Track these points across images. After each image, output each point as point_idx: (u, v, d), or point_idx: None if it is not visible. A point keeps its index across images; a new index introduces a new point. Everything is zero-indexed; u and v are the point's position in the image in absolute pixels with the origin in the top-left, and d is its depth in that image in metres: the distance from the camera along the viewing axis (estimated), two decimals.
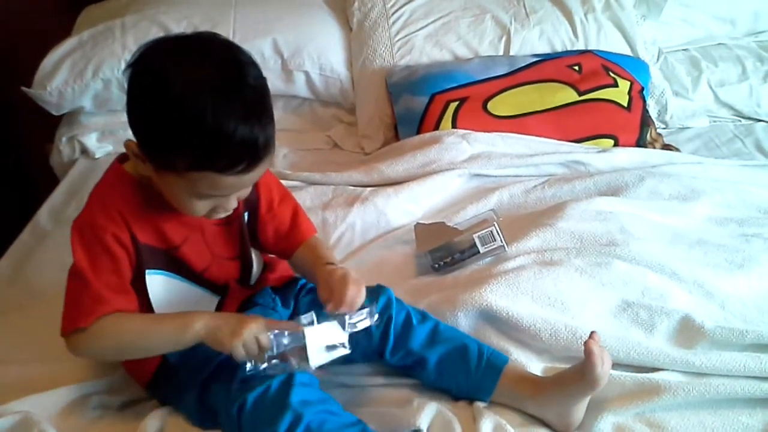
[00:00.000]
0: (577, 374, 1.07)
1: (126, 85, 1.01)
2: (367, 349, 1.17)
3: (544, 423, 1.10)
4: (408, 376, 1.19)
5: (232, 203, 1.07)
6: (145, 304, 1.11)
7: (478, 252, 1.38)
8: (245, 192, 1.07)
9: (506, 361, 1.15)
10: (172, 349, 1.07)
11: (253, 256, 1.24)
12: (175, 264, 1.13)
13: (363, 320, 1.07)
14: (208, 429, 1.09)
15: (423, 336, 1.17)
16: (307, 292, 1.26)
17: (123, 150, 1.70)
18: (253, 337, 1.02)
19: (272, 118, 1.01)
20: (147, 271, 1.10)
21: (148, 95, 0.99)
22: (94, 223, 1.06)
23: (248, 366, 1.04)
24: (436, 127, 1.79)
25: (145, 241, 1.09)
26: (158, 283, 1.12)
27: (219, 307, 1.19)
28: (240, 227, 1.19)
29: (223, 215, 1.08)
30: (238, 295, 1.21)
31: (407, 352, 1.16)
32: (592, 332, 1.08)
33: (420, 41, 1.96)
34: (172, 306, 1.12)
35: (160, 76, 0.98)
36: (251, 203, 1.19)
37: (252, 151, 0.98)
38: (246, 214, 1.19)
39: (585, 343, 1.05)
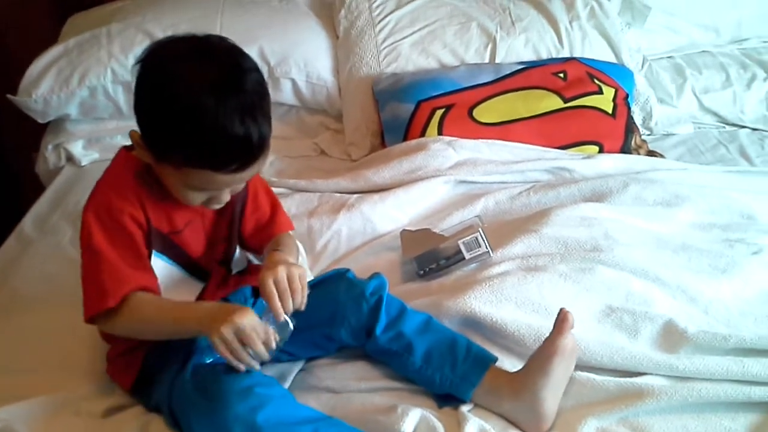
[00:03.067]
0: (541, 347, 1.11)
1: (134, 80, 1.05)
2: (355, 326, 1.19)
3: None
4: (390, 369, 1.20)
5: (226, 196, 1.11)
6: None
7: (464, 258, 1.38)
8: (239, 187, 1.12)
9: (494, 359, 1.16)
10: (190, 336, 1.10)
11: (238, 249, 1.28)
12: (171, 248, 1.16)
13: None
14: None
15: (416, 323, 1.20)
16: None
17: (109, 157, 1.71)
18: (232, 332, 1.01)
19: (268, 120, 1.04)
20: (153, 252, 1.14)
21: (150, 92, 1.03)
22: (110, 206, 1.09)
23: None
24: (422, 134, 1.79)
25: (155, 223, 1.13)
26: (157, 266, 1.15)
27: (201, 294, 1.22)
28: (231, 215, 1.22)
29: (217, 206, 1.13)
30: (218, 283, 1.24)
31: (398, 333, 1.17)
32: (561, 309, 1.10)
33: (406, 49, 1.97)
34: (161, 288, 1.14)
35: (162, 75, 1.02)
36: (242, 194, 1.22)
37: (246, 151, 1.02)
38: (239, 206, 1.23)
39: (561, 311, 1.09)
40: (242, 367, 1.04)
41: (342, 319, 1.19)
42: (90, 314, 1.09)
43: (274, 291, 1.05)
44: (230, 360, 1.02)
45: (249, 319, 1.02)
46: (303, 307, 1.08)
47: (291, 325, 1.07)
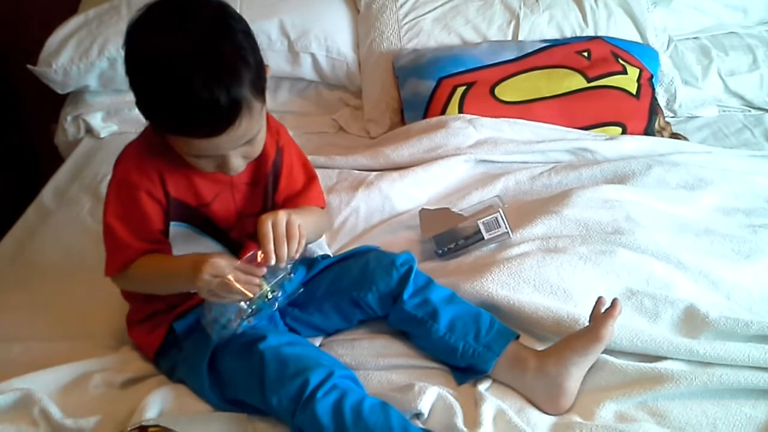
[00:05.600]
0: (585, 329, 1.12)
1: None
2: (383, 292, 1.20)
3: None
4: (408, 347, 1.20)
5: (236, 162, 1.08)
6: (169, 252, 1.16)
7: (483, 238, 1.37)
8: (250, 151, 1.09)
9: (516, 335, 1.17)
10: (188, 290, 1.12)
11: None
12: (201, 220, 1.17)
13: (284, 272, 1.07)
14: (222, 396, 1.11)
15: (443, 293, 1.21)
16: (320, 271, 1.27)
17: (128, 129, 1.71)
18: (210, 277, 1.01)
19: (247, 82, 1.00)
20: (171, 223, 1.14)
21: (129, 63, 1.03)
22: (128, 181, 1.11)
23: (214, 336, 1.07)
24: (443, 112, 1.77)
25: (177, 195, 1.13)
26: (179, 235, 1.16)
27: None
28: (265, 188, 1.21)
29: (232, 173, 1.10)
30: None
31: (425, 300, 1.18)
32: (614, 299, 1.12)
33: (428, 25, 1.94)
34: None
35: (135, 46, 1.02)
36: (276, 167, 1.21)
37: (214, 115, 0.99)
38: (271, 178, 1.21)
39: (613, 299, 1.11)
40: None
41: (371, 283, 1.20)
42: (106, 275, 1.17)
43: (270, 233, 1.03)
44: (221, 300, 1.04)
45: (217, 259, 1.02)
46: (297, 257, 1.06)
47: (287, 273, 1.06)
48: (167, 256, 1.14)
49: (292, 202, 1.23)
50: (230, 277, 1.01)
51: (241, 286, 1.01)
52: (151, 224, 1.13)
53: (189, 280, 1.04)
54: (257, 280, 1.03)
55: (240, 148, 1.06)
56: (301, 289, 1.15)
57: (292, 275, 1.08)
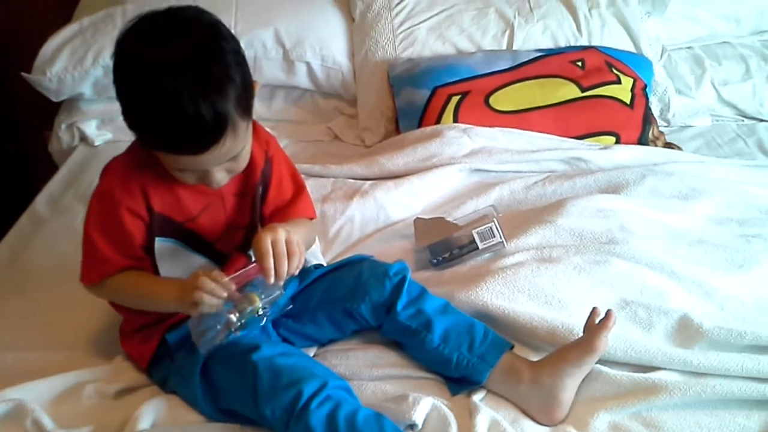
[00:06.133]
0: (579, 340, 1.12)
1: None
2: (376, 302, 1.19)
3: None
4: (402, 357, 1.20)
5: (218, 177, 1.07)
6: (153, 267, 1.16)
7: (477, 248, 1.37)
8: (234, 167, 1.08)
9: (511, 345, 1.17)
10: (166, 311, 1.14)
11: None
12: (186, 235, 1.16)
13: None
14: (215, 407, 1.11)
15: (437, 304, 1.21)
16: (314, 281, 1.27)
17: (122, 137, 1.71)
18: (200, 291, 1.02)
19: (233, 101, 1.00)
20: (157, 238, 1.14)
21: (117, 74, 1.03)
22: (111, 195, 1.11)
23: (201, 348, 1.06)
24: (438, 121, 1.78)
25: (161, 210, 1.12)
26: (166, 250, 1.15)
27: None
28: (253, 198, 1.20)
29: (215, 186, 1.09)
30: (237, 268, 1.21)
31: (419, 311, 1.18)
32: (608, 310, 1.12)
33: (423, 34, 1.95)
34: (175, 271, 1.15)
35: (125, 57, 1.02)
36: (265, 178, 1.21)
37: (198, 134, 0.99)
38: (260, 188, 1.21)
39: (607, 310, 1.11)
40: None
41: (364, 294, 1.19)
42: (81, 282, 1.17)
43: (270, 251, 1.02)
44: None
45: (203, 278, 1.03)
46: (296, 273, 1.06)
47: (281, 291, 1.06)
48: (150, 275, 1.15)
49: (281, 213, 1.22)
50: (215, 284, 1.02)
51: (217, 288, 1.01)
52: (132, 240, 1.12)
53: (178, 290, 1.05)
54: (235, 292, 1.03)
55: (224, 163, 1.06)
56: (290, 306, 1.15)
57: (284, 292, 1.08)
